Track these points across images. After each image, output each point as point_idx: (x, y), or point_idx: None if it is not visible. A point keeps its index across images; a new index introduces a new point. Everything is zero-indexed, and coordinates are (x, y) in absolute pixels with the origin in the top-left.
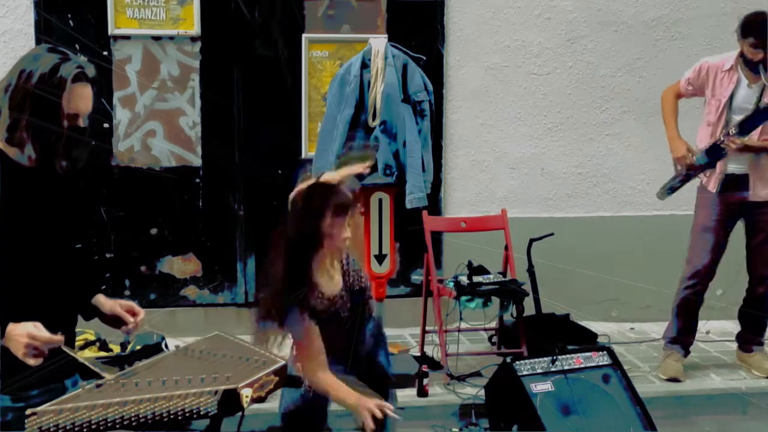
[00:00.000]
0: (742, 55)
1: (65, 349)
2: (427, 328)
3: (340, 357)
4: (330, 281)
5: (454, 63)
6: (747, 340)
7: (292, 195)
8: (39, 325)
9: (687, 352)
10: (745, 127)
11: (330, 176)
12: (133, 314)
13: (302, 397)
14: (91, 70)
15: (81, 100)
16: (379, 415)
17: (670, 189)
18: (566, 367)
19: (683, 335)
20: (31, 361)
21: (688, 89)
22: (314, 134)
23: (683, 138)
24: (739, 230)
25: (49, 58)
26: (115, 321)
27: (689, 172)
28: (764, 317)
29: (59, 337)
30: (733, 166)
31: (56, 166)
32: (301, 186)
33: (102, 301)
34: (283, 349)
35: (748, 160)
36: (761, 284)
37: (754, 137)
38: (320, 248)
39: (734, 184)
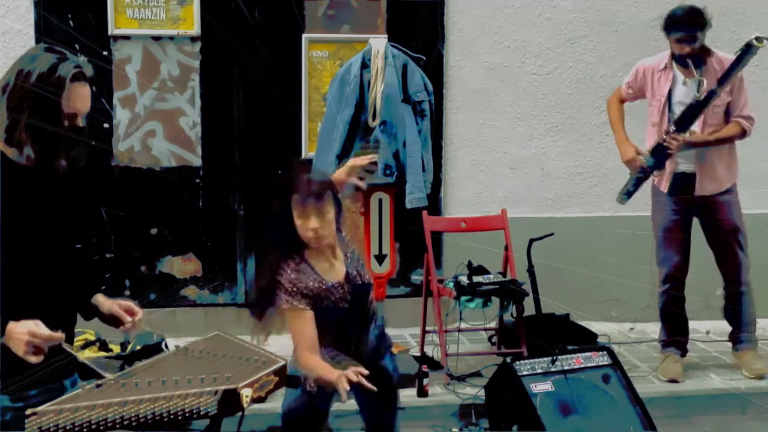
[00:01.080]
0: (672, 52)
1: (65, 346)
2: (427, 328)
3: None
4: (330, 269)
5: (454, 63)
6: (735, 339)
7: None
8: (39, 323)
9: (684, 352)
10: (682, 123)
11: (338, 173)
12: (132, 314)
13: (303, 397)
14: (89, 70)
15: (79, 99)
16: (353, 377)
17: (627, 193)
18: (566, 367)
19: (675, 336)
20: (32, 359)
21: (629, 93)
22: (314, 134)
23: (632, 141)
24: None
25: (47, 58)
26: (114, 320)
27: (641, 175)
28: (741, 313)
29: (60, 335)
30: (683, 165)
31: (56, 166)
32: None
33: (101, 300)
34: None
35: (695, 157)
36: (733, 283)
37: (696, 132)
38: (297, 236)
39: (685, 182)
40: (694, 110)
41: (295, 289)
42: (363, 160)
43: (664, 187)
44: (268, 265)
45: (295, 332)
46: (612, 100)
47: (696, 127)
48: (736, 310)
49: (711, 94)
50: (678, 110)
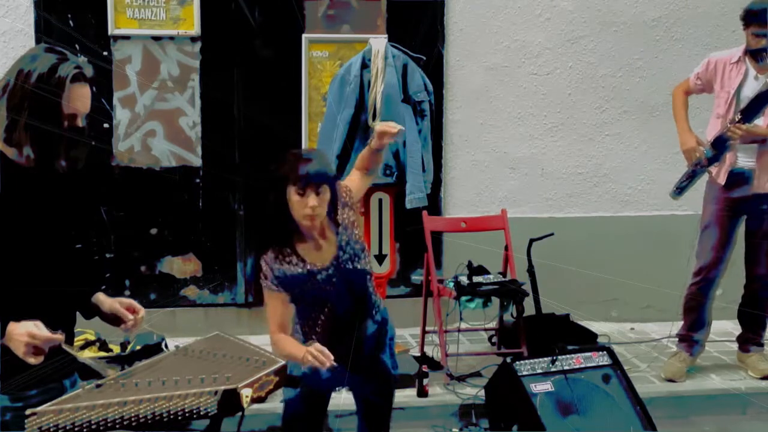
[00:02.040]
0: (747, 45)
1: (66, 347)
2: (427, 328)
3: (341, 356)
4: (317, 252)
5: (454, 63)
6: (745, 340)
7: None
8: (39, 323)
9: (691, 353)
10: (749, 113)
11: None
12: (134, 312)
13: (301, 398)
14: (89, 70)
15: (79, 100)
16: (314, 352)
17: (679, 189)
18: (566, 367)
19: (691, 332)
20: (32, 360)
21: (697, 84)
22: (314, 134)
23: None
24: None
25: (47, 58)
26: (114, 319)
27: (696, 169)
28: (762, 316)
29: (60, 336)
30: (742, 161)
31: (55, 166)
32: None
33: (102, 299)
34: None
35: (756, 153)
36: (756, 281)
37: (760, 125)
38: (290, 214)
39: (742, 178)
40: (763, 101)
41: (270, 272)
42: (393, 129)
43: (722, 180)
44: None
45: (268, 312)
46: (677, 91)
47: (760, 121)
48: (754, 312)
49: None
50: (745, 104)
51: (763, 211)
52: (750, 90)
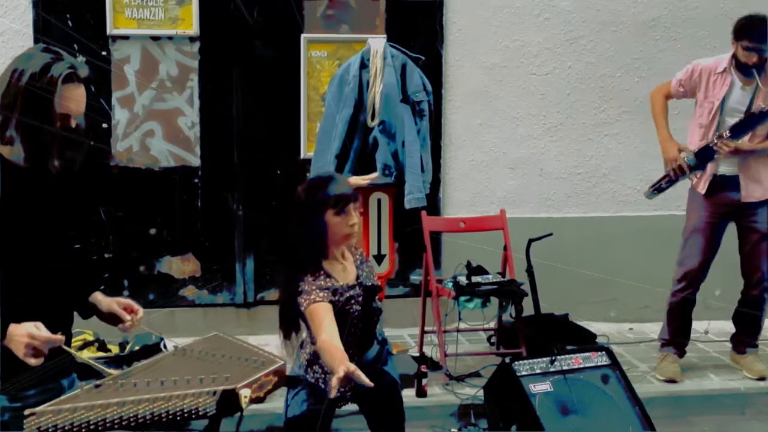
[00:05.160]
0: (735, 57)
1: (65, 348)
2: (426, 328)
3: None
4: (343, 271)
5: (453, 63)
6: (740, 342)
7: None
8: (40, 325)
9: (682, 353)
10: (738, 130)
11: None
12: (131, 312)
13: (307, 403)
14: (84, 71)
15: (72, 101)
16: (351, 368)
17: (657, 189)
18: (565, 368)
19: (677, 337)
20: (32, 361)
21: (679, 90)
22: (313, 134)
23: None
24: (733, 231)
25: (41, 58)
26: (113, 319)
27: (678, 174)
28: (759, 319)
29: (59, 337)
30: (723, 167)
31: (49, 166)
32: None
33: (99, 298)
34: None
35: (738, 162)
36: (755, 287)
37: (745, 140)
38: (326, 238)
39: (724, 185)
40: (756, 119)
41: (313, 287)
42: (363, 180)
43: (702, 189)
44: (288, 282)
45: (316, 324)
46: (657, 95)
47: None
48: (751, 316)
49: None
50: (730, 115)
51: (752, 218)
52: (735, 101)
